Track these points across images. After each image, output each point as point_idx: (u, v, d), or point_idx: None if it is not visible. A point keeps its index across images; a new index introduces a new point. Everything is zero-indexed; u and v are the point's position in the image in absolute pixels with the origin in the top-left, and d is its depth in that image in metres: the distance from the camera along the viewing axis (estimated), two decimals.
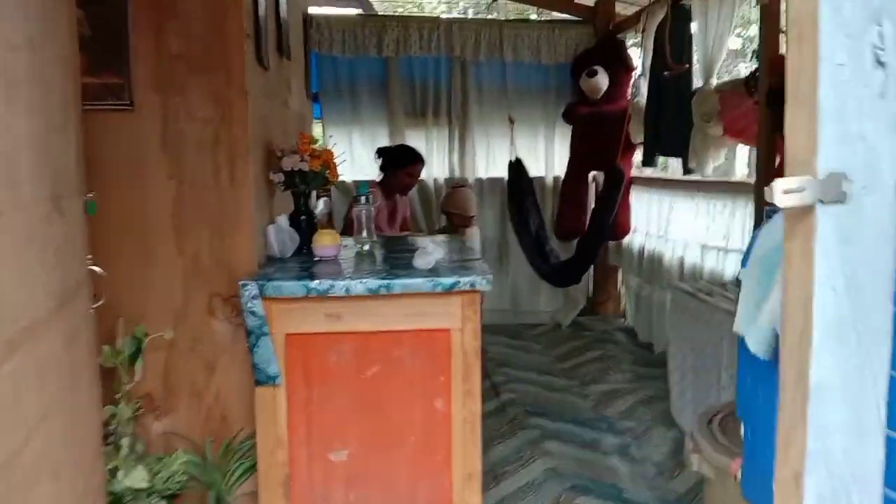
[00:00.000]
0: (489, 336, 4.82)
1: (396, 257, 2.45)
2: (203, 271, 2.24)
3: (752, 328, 1.15)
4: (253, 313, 2.02)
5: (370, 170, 4.33)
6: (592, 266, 4.90)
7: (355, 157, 4.95)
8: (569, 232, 5.02)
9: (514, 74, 5.04)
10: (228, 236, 2.25)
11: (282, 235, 2.45)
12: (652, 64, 4.15)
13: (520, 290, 5.24)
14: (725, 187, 3.59)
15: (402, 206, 4.12)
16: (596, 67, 4.70)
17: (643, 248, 4.59)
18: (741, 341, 1.27)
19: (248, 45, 2.27)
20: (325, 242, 2.40)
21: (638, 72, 4.73)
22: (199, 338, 2.27)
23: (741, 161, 7.97)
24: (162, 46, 2.16)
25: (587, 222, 5.02)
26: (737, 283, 2.95)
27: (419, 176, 4.04)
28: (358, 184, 4.06)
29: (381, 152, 4.04)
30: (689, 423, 2.99)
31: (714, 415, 1.69)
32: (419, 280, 2.04)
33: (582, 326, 5.11)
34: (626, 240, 4.87)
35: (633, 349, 4.56)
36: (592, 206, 5.07)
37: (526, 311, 5.26)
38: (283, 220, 2.49)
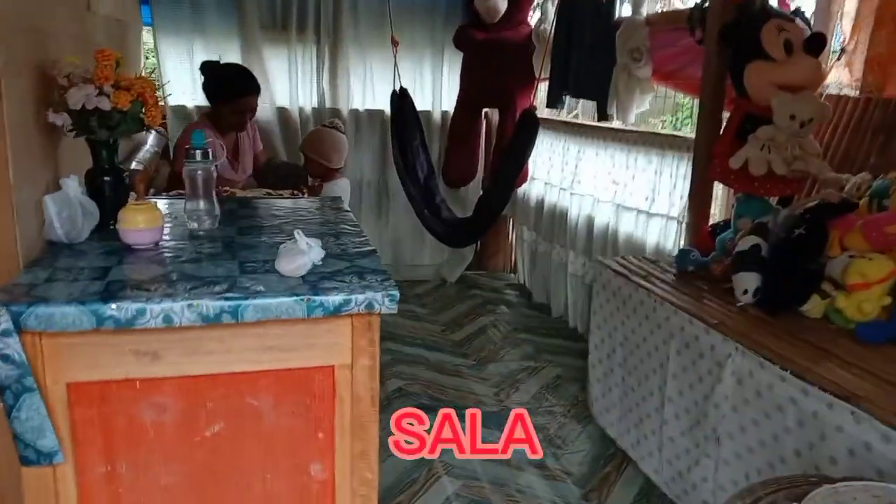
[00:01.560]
0: None
1: (251, 246, 1.68)
2: None
3: None
4: (6, 358, 1.22)
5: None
6: None
7: (196, 78, 3.96)
8: (458, 178, 4.40)
9: None
10: None
11: (70, 210, 1.62)
12: None
13: (402, 242, 4.58)
14: (649, 139, 3.06)
15: (248, 140, 3.27)
16: None
17: (542, 201, 4.04)
18: None
19: None
20: (139, 224, 1.60)
21: None
22: None
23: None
24: None
25: (478, 166, 4.43)
26: (678, 260, 2.46)
27: (254, 111, 3.19)
28: (196, 122, 3.15)
29: (205, 69, 3.13)
30: (614, 426, 2.53)
31: (755, 501, 1.14)
32: (286, 300, 1.32)
33: (470, 283, 4.56)
34: (520, 189, 4.29)
35: (528, 313, 4.07)
36: (485, 147, 4.47)
37: (409, 265, 4.61)
38: (71, 185, 1.64)
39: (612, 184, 3.29)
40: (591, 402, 2.69)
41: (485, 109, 4.38)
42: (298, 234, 1.46)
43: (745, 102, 2.41)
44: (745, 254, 2.12)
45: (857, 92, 2.50)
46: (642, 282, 2.35)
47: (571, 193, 3.68)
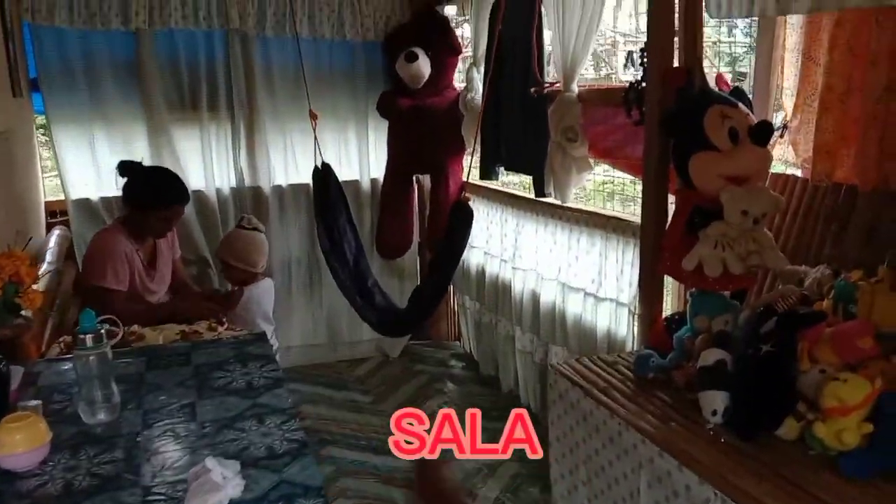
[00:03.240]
0: (304, 387, 3.90)
1: (157, 451, 1.42)
2: None
3: None
4: None
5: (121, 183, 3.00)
6: None
7: (100, 167, 3.64)
8: (393, 248, 4.19)
9: (312, 55, 3.94)
10: None
11: None
12: (488, 56, 3.34)
13: (337, 319, 4.30)
14: (592, 220, 2.91)
15: (166, 244, 2.98)
16: (415, 50, 3.79)
17: (483, 270, 3.86)
18: None
19: None
20: (17, 448, 1.32)
21: (467, 55, 3.93)
22: None
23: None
24: None
25: (412, 235, 4.23)
26: (637, 366, 2.30)
27: (180, 217, 2.96)
28: (109, 227, 2.82)
29: (124, 169, 2.83)
30: None
31: None
32: None
33: (414, 357, 4.34)
34: None
35: (477, 390, 3.87)
36: (418, 212, 4.27)
37: (346, 343, 4.35)
38: None
39: (554, 261, 3.13)
40: None
41: (416, 175, 4.19)
42: (211, 462, 1.21)
43: (691, 193, 2.28)
44: (709, 370, 1.98)
45: (801, 172, 2.42)
46: (602, 396, 2.17)
47: (513, 267, 3.51)
